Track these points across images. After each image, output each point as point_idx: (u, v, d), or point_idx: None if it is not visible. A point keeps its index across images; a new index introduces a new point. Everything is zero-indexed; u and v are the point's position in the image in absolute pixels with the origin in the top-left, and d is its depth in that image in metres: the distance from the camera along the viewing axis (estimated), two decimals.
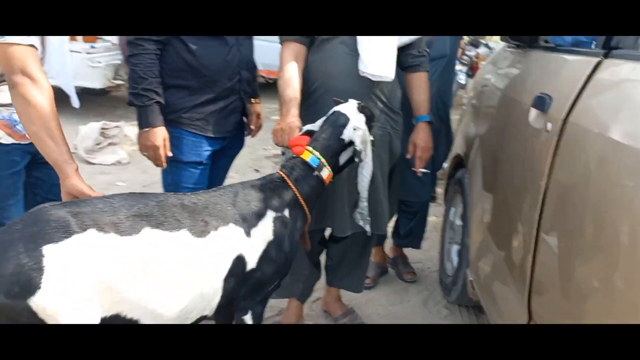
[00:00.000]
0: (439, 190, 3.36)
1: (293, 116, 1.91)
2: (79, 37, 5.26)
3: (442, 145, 2.74)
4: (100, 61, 5.49)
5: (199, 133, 2.05)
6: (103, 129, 4.72)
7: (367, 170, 1.75)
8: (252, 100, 2.25)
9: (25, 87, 1.50)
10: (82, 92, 6.84)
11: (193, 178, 2.09)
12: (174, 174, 2.10)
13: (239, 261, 1.49)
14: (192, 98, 2.02)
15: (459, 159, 2.67)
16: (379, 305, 2.70)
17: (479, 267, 2.14)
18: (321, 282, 2.49)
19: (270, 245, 1.56)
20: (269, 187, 1.60)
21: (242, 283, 1.52)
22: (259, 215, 1.54)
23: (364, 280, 2.50)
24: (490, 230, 2.04)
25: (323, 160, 1.66)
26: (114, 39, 5.55)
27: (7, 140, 1.74)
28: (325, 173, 1.67)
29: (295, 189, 1.61)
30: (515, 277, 1.70)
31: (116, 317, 1.29)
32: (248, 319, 1.60)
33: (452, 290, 2.63)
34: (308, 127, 1.79)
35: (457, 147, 2.72)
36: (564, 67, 1.59)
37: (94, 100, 6.91)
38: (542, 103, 1.57)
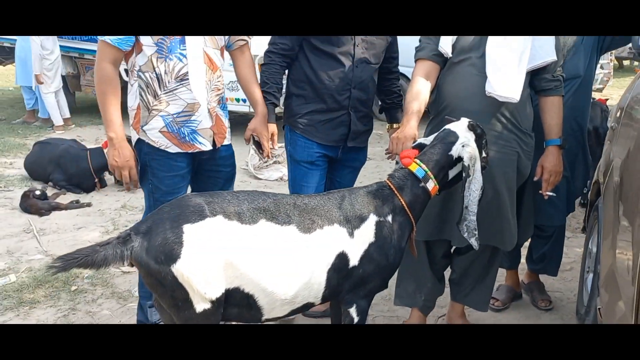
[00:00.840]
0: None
1: (411, 127, 2.07)
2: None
3: (579, 170, 2.66)
4: None
5: (307, 137, 2.40)
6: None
7: (476, 185, 1.84)
8: (393, 125, 2.56)
9: None
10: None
11: (306, 176, 2.44)
12: (292, 171, 2.50)
13: (342, 258, 1.71)
14: (306, 106, 2.40)
15: (598, 185, 2.58)
16: None
17: (604, 294, 2.06)
18: (447, 300, 2.57)
19: (371, 246, 1.74)
20: (375, 194, 1.79)
21: (345, 278, 1.72)
22: (362, 219, 1.74)
23: (489, 299, 2.51)
24: (612, 256, 1.97)
25: (429, 172, 1.80)
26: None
27: (174, 149, 2.12)
28: (431, 185, 1.82)
29: (400, 197, 1.78)
30: (626, 302, 1.65)
31: (236, 289, 1.58)
32: (353, 311, 1.79)
33: (585, 320, 2.52)
34: (420, 140, 1.95)
35: (598, 173, 2.63)
36: None
37: None
38: None
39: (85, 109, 7.76)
